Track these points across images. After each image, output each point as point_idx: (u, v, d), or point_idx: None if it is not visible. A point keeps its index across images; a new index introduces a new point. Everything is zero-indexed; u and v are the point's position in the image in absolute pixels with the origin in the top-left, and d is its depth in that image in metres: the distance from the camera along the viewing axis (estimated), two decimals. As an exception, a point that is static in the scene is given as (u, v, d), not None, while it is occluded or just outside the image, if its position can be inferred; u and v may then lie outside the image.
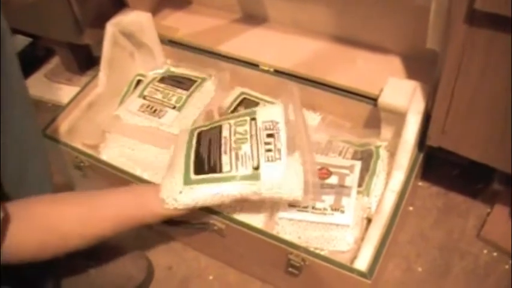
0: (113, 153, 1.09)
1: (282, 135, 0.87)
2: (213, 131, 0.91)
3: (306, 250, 0.84)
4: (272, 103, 1.11)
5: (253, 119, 0.90)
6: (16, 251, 0.73)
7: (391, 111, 0.95)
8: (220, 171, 0.84)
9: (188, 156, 0.89)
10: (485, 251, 1.00)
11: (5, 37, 0.76)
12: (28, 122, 0.85)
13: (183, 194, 0.83)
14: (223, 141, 0.88)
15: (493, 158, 0.87)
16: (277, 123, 0.89)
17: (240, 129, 0.90)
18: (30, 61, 1.52)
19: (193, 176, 0.85)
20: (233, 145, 0.87)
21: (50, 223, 0.77)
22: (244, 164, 0.84)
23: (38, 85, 1.47)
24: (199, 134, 0.92)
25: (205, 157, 0.87)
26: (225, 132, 0.90)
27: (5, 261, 0.72)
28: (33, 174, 0.88)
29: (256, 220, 0.94)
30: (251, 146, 0.86)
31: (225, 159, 0.86)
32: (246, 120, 0.91)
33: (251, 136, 0.88)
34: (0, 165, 0.80)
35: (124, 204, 0.84)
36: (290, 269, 0.88)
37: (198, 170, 0.85)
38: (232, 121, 0.92)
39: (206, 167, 0.86)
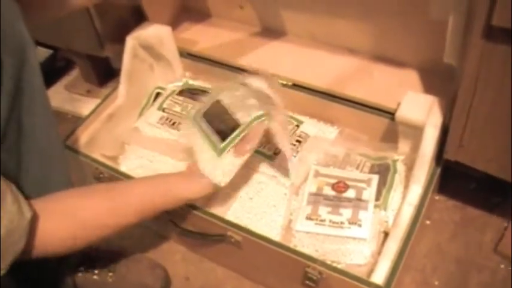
0: (131, 164, 1.11)
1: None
2: (214, 106, 0.96)
3: (323, 263, 0.84)
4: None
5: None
6: (47, 246, 0.74)
7: (409, 125, 0.95)
8: (239, 124, 0.90)
9: (206, 135, 0.93)
10: (502, 266, 1.00)
11: (29, 47, 0.78)
12: (50, 131, 0.87)
13: (224, 162, 0.89)
14: (227, 107, 0.94)
15: (509, 172, 0.86)
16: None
17: (236, 92, 0.96)
18: (50, 73, 1.55)
19: (221, 145, 0.90)
20: (238, 104, 0.93)
21: (79, 215, 0.78)
22: (252, 111, 0.91)
23: (57, 96, 1.50)
24: (204, 114, 0.96)
25: (222, 125, 0.92)
26: (226, 101, 0.95)
27: (37, 256, 0.73)
28: (55, 183, 0.88)
29: (273, 232, 0.95)
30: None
31: (239, 115, 0.91)
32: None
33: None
34: (22, 174, 0.82)
35: (149, 191, 0.87)
36: (307, 282, 0.88)
37: (223, 137, 0.91)
38: (226, 92, 0.97)
39: (228, 131, 0.91)
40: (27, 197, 0.80)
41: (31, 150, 0.83)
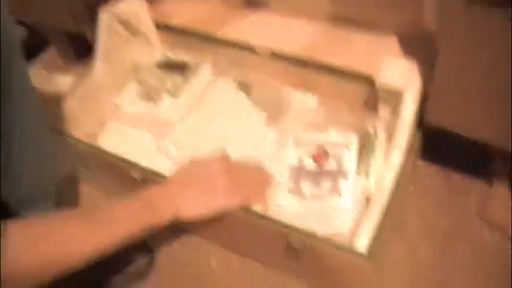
0: (111, 141, 1.09)
1: None
2: None
3: (306, 233, 0.84)
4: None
5: None
6: (13, 275, 0.68)
7: (389, 91, 0.94)
8: None
9: None
10: (487, 230, 0.99)
11: (16, 40, 0.75)
12: (40, 124, 0.86)
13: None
14: None
15: (491, 135, 0.86)
16: None
17: None
18: (26, 52, 1.50)
19: None
20: None
21: (51, 244, 0.73)
22: None
23: (34, 76, 1.45)
24: None
25: None
26: None
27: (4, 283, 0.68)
28: (48, 176, 0.90)
29: (254, 206, 0.94)
30: None
31: None
32: None
33: None
34: (13, 168, 0.81)
35: (132, 217, 0.82)
36: (290, 252, 0.88)
37: None
38: None
39: None
40: (21, 193, 0.79)
41: (22, 143, 0.82)
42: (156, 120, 1.08)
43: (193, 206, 0.88)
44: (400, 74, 0.92)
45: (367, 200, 0.92)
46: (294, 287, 0.97)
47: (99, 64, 1.16)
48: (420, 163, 1.09)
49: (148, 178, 0.97)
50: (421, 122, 0.93)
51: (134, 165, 0.99)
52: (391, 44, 1.03)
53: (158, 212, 0.84)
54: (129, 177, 0.99)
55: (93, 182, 1.16)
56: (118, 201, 0.85)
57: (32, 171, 0.85)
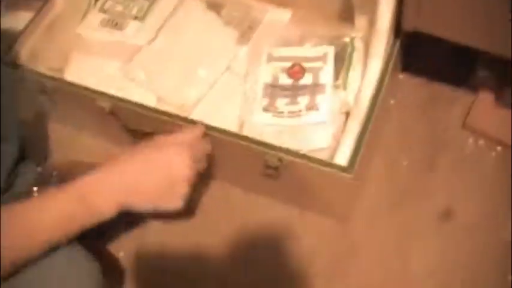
0: (77, 72, 1.04)
1: None
2: None
3: (282, 149, 0.81)
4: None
5: None
6: None
7: (364, -2, 0.89)
8: None
9: None
10: (470, 140, 0.97)
11: None
12: None
13: None
14: None
15: (472, 36, 0.81)
16: None
17: None
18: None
19: None
20: None
21: None
22: None
23: (-4, 14, 1.40)
24: None
25: None
26: None
27: None
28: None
29: (229, 125, 0.90)
30: None
31: None
32: None
33: None
34: None
35: (65, 213, 0.70)
36: (268, 171, 0.84)
37: None
38: None
39: None
40: None
41: None
42: (122, 47, 1.03)
43: (140, 202, 0.76)
44: (375, -22, 0.87)
45: (346, 114, 0.88)
46: (274, 208, 0.95)
47: (58, -6, 1.10)
48: (402, 76, 1.05)
49: (116, 106, 0.93)
50: (399, 28, 0.88)
51: (101, 95, 0.94)
52: None
53: (97, 209, 0.72)
54: (97, 108, 0.95)
55: (61, 118, 1.12)
56: (47, 197, 0.72)
57: None
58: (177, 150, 0.77)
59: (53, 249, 0.69)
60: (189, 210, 0.86)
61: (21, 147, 0.91)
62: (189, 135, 0.81)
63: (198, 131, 0.82)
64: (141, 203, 0.75)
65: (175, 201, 0.77)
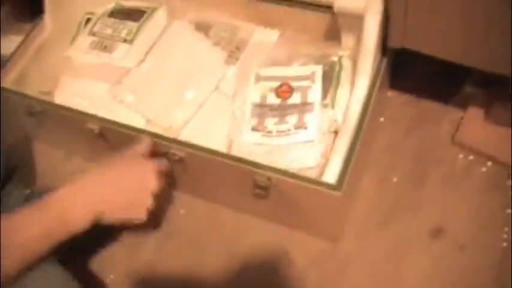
0: (66, 95, 1.05)
1: None
2: None
3: (271, 168, 0.80)
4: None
5: None
6: None
7: (349, 15, 0.88)
8: None
9: None
10: (460, 156, 0.97)
11: None
12: None
13: None
14: None
15: (457, 53, 0.82)
16: None
17: None
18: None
19: None
20: None
21: None
22: None
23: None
24: None
25: None
26: None
27: None
28: None
29: (217, 146, 0.90)
30: None
31: None
32: None
33: None
34: None
35: (42, 228, 0.71)
36: (257, 191, 0.84)
37: None
38: None
39: None
40: None
41: None
42: (111, 69, 1.03)
43: (109, 214, 0.78)
44: (359, -4, 0.87)
45: (335, 133, 0.88)
46: (264, 228, 0.95)
47: (48, 18, 1.11)
48: (390, 93, 1.05)
49: (105, 129, 0.93)
50: (385, 46, 0.88)
51: (90, 117, 0.94)
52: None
53: (73, 222, 0.74)
54: (87, 131, 0.95)
55: (50, 140, 1.12)
56: (25, 212, 0.72)
57: None
58: (141, 162, 0.82)
59: (30, 265, 0.70)
60: (155, 222, 0.88)
61: (7, 166, 0.91)
62: (143, 146, 0.85)
63: (148, 143, 0.86)
64: (111, 214, 0.78)
65: (139, 213, 0.80)
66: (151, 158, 0.84)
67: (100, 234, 0.97)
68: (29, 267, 0.70)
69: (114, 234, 0.99)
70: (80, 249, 0.95)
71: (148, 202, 0.80)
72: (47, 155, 1.13)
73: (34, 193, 0.98)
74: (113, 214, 0.78)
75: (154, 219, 0.81)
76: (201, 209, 0.99)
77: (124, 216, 0.80)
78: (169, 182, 0.87)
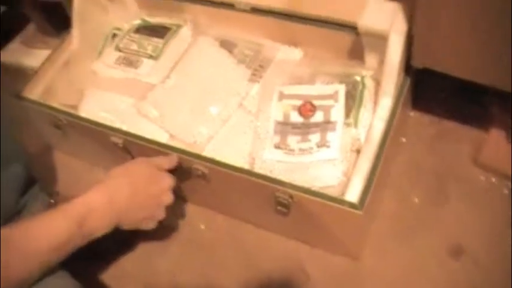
0: (91, 108, 1.06)
1: None
2: None
3: (293, 186, 0.81)
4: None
5: None
6: None
7: (373, 35, 0.89)
8: None
9: None
10: (482, 176, 0.96)
11: None
12: None
13: None
14: None
15: (481, 73, 0.82)
16: None
17: None
18: (6, 29, 1.48)
19: None
20: None
21: None
22: None
23: (15, 52, 1.43)
24: None
25: None
26: None
27: None
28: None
29: (240, 162, 0.91)
30: None
31: None
32: None
33: None
34: None
35: (62, 234, 0.74)
36: (279, 208, 0.84)
37: None
38: None
39: None
40: None
41: None
42: (136, 84, 1.05)
43: (126, 221, 0.83)
44: (384, 16, 0.87)
45: (357, 152, 0.88)
46: (284, 244, 0.95)
47: (75, 32, 1.13)
48: (412, 113, 1.06)
49: (129, 142, 0.94)
50: (409, 66, 0.89)
51: (115, 130, 0.95)
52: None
53: (93, 231, 0.78)
54: (110, 144, 0.96)
55: (74, 152, 1.13)
56: (46, 218, 0.76)
57: None
58: (161, 178, 0.87)
59: (48, 270, 0.73)
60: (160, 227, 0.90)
61: (28, 170, 0.93)
62: (167, 161, 0.89)
63: (173, 161, 0.89)
64: (126, 225, 0.83)
65: (151, 224, 0.87)
66: (169, 174, 0.87)
67: (118, 246, 0.98)
68: (45, 272, 0.73)
69: (132, 245, 1.00)
70: (97, 259, 0.97)
71: (161, 216, 0.87)
72: (70, 166, 1.15)
73: (57, 203, 0.99)
74: (129, 224, 0.84)
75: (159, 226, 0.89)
76: (221, 224, 1.00)
77: (136, 226, 0.86)
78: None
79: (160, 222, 0.89)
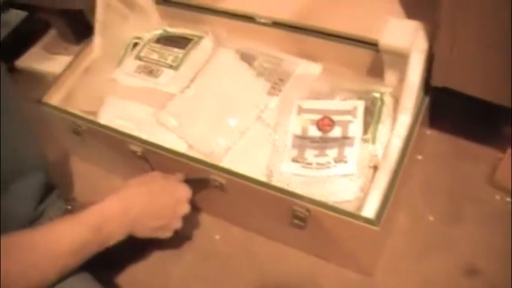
0: (110, 116, 1.07)
1: None
2: None
3: (310, 200, 0.81)
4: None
5: None
6: None
7: (394, 53, 0.90)
8: None
9: None
10: (497, 197, 0.97)
11: None
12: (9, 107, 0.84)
13: None
14: None
15: (501, 94, 0.82)
16: None
17: None
18: (27, 35, 1.50)
19: None
20: None
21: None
22: None
23: (36, 58, 1.45)
24: None
25: None
26: None
27: None
28: (26, 157, 0.89)
29: (257, 174, 0.92)
30: None
31: None
32: None
33: None
34: None
35: (79, 240, 0.76)
36: (295, 221, 0.85)
37: None
38: None
39: None
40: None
41: None
42: (155, 94, 1.06)
43: (142, 231, 0.85)
44: (405, 35, 0.89)
45: (374, 168, 0.89)
46: (298, 258, 0.95)
47: (97, 40, 1.15)
48: (429, 131, 1.06)
49: (148, 151, 0.95)
50: (428, 85, 0.90)
51: (134, 139, 0.96)
52: (393, 4, 0.99)
53: (109, 238, 0.80)
54: (129, 151, 0.97)
55: (91, 158, 1.14)
56: (64, 223, 0.78)
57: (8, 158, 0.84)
58: (177, 189, 0.88)
59: (65, 275, 0.75)
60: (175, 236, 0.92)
61: (47, 178, 0.95)
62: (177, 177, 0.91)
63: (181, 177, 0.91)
64: (142, 233, 0.85)
65: (167, 233, 0.89)
66: (185, 184, 0.89)
67: (133, 253, 0.99)
68: (60, 277, 0.75)
69: (146, 252, 1.01)
70: (111, 266, 0.98)
71: (177, 226, 0.89)
72: (86, 172, 1.16)
73: (73, 209, 1.00)
74: (144, 233, 0.85)
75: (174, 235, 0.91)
76: (236, 236, 1.00)
77: (152, 235, 0.86)
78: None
79: (176, 232, 0.90)
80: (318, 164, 0.90)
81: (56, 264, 0.74)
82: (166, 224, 0.87)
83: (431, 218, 0.96)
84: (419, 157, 1.03)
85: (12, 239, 0.72)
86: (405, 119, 0.88)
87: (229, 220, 1.01)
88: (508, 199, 0.96)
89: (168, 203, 0.87)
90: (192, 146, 0.99)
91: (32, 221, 0.93)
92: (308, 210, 0.82)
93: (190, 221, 0.96)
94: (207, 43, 1.13)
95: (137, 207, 0.83)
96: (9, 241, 0.71)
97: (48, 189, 0.96)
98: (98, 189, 1.11)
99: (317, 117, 0.94)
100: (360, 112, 0.93)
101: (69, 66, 1.14)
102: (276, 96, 1.01)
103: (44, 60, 1.44)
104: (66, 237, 0.75)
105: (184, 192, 0.89)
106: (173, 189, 0.88)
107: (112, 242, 0.80)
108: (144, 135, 0.99)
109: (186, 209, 0.89)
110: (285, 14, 1.04)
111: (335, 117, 0.93)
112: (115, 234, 0.80)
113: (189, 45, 1.12)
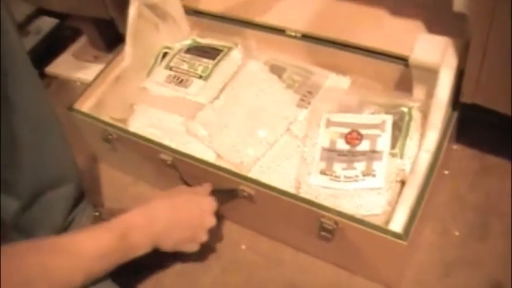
0: (140, 124, 1.08)
1: None
2: None
3: (338, 212, 0.82)
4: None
5: None
6: None
7: (423, 69, 0.91)
8: None
9: None
10: (525, 213, 0.97)
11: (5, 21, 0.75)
12: (39, 100, 0.86)
13: None
14: None
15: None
16: None
17: None
18: (58, 42, 1.53)
19: None
20: None
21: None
22: None
23: (66, 65, 1.48)
24: None
25: None
26: None
27: None
28: (51, 150, 0.89)
29: (286, 185, 0.93)
30: None
31: None
32: None
33: None
34: (16, 145, 0.82)
35: (107, 249, 0.78)
36: (323, 233, 0.86)
37: None
38: None
39: None
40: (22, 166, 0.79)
41: (22, 121, 0.82)
42: (185, 103, 1.07)
43: (167, 243, 0.87)
44: (435, 51, 0.89)
45: (402, 182, 0.89)
46: (323, 270, 0.96)
47: (128, 49, 1.16)
48: (456, 147, 1.06)
49: (178, 160, 0.96)
50: (457, 101, 0.90)
51: (164, 148, 0.98)
52: (424, 19, 1.00)
53: (134, 248, 0.82)
54: (158, 160, 0.99)
55: (120, 165, 1.16)
56: (92, 232, 0.79)
57: (33, 149, 0.86)
58: (204, 202, 0.90)
59: (90, 282, 0.76)
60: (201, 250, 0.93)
61: (79, 188, 0.97)
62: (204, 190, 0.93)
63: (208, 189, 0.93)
64: (168, 246, 0.86)
65: (194, 246, 0.90)
66: (212, 197, 0.92)
67: (159, 261, 1.00)
68: (85, 282, 0.76)
69: (173, 261, 1.01)
70: (138, 274, 0.99)
71: (204, 239, 0.91)
72: (115, 179, 1.17)
73: (102, 215, 1.02)
74: (170, 246, 0.87)
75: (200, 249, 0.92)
76: (262, 246, 1.01)
77: (177, 248, 0.88)
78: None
79: (203, 245, 0.91)
80: (346, 177, 0.91)
81: (81, 268, 0.75)
82: (192, 236, 0.89)
83: (457, 233, 0.96)
84: (446, 172, 1.03)
85: (39, 243, 0.75)
86: (433, 135, 0.88)
87: (256, 230, 1.02)
88: (535, 216, 0.96)
89: (194, 216, 0.89)
90: (221, 156, 1.00)
91: (61, 230, 0.95)
92: (336, 222, 0.82)
93: (216, 230, 0.97)
94: (236, 54, 1.14)
95: (163, 219, 0.85)
96: (35, 245, 0.74)
97: (78, 198, 0.98)
98: (126, 196, 1.13)
99: (345, 130, 0.95)
100: (389, 126, 0.93)
101: (101, 74, 1.15)
102: (305, 108, 1.02)
103: (73, 66, 1.47)
104: (91, 242, 0.77)
105: (210, 205, 0.90)
106: (199, 202, 0.90)
107: (137, 252, 0.82)
108: (173, 144, 1.00)
109: (212, 221, 0.90)
110: (314, 28, 1.06)
111: (363, 131, 0.94)
112: (140, 244, 0.82)
113: (219, 56, 1.14)
